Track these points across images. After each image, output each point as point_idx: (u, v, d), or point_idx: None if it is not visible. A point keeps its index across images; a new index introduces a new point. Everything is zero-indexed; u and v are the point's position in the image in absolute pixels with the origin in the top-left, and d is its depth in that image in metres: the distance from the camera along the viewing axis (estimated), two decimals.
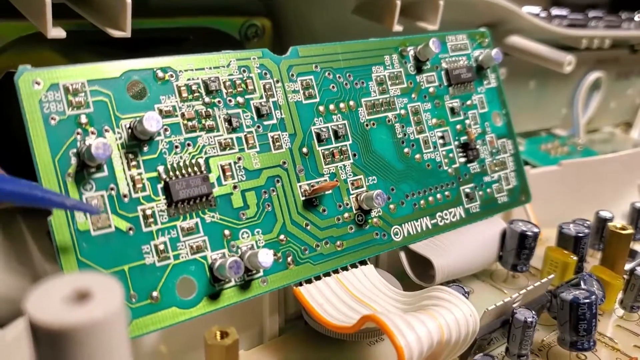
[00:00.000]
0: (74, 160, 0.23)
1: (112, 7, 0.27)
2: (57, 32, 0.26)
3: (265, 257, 0.25)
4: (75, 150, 0.23)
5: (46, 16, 0.25)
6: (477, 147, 0.34)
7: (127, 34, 0.27)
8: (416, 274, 0.31)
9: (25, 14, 0.27)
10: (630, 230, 0.33)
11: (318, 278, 0.28)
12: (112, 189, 0.24)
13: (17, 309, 0.31)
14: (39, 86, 0.23)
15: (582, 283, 0.30)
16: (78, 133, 0.23)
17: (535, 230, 0.33)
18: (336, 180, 0.29)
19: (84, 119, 0.24)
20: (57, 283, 0.16)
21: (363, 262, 0.30)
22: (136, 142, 0.24)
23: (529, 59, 0.40)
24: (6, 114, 0.31)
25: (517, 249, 0.33)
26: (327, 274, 0.28)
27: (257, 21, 0.37)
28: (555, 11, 0.45)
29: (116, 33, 0.27)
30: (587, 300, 0.27)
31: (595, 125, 0.53)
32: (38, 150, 0.23)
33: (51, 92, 0.23)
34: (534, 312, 0.27)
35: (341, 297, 0.28)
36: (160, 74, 0.25)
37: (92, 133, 0.24)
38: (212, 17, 0.36)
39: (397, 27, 0.34)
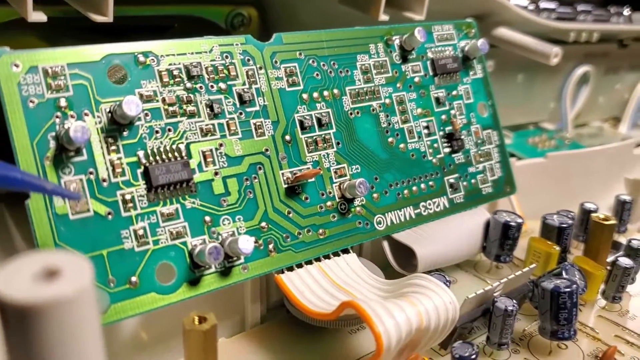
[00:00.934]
0: (52, 144, 0.23)
1: None
2: (37, 16, 0.26)
3: (246, 244, 0.25)
4: (54, 133, 0.23)
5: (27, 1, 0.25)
6: (462, 137, 0.34)
7: (109, 18, 0.27)
8: (399, 263, 0.31)
9: None
10: (613, 221, 0.33)
11: (300, 266, 0.28)
12: (91, 173, 0.24)
13: None
14: (18, 69, 0.23)
15: (563, 273, 0.30)
16: (57, 116, 0.23)
17: (519, 220, 0.33)
18: (319, 168, 0.29)
19: (63, 103, 0.23)
20: (26, 261, 0.15)
21: (346, 251, 0.30)
22: (116, 127, 0.24)
23: (516, 51, 0.40)
24: None
25: (501, 239, 0.33)
26: (309, 262, 0.28)
27: (243, 10, 0.37)
28: (543, 4, 0.45)
29: (98, 18, 0.27)
30: (568, 289, 0.27)
31: (584, 119, 0.53)
32: (16, 133, 0.22)
33: (30, 74, 0.23)
34: (514, 301, 0.27)
35: (322, 285, 0.28)
36: (141, 58, 0.25)
37: (72, 117, 0.23)
38: (198, 6, 0.35)
39: (383, 17, 0.34)
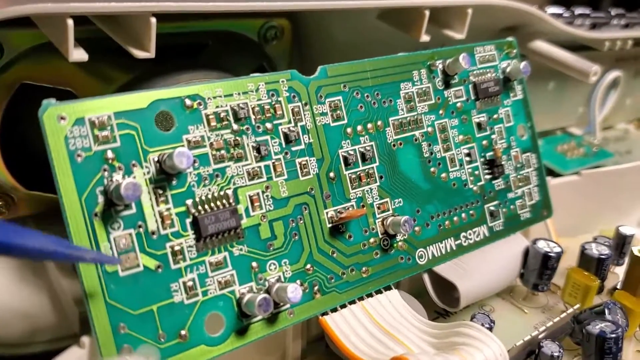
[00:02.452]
0: (100, 199, 0.22)
1: (136, 26, 0.26)
2: (79, 55, 0.25)
3: (295, 293, 0.25)
4: (102, 188, 0.22)
5: (68, 40, 0.24)
6: (503, 163, 0.33)
7: (151, 54, 0.26)
8: (439, 295, 0.31)
9: (45, 32, 0.26)
10: None
11: (343, 306, 0.28)
12: (140, 226, 0.23)
13: (33, 326, 0.31)
14: (65, 121, 0.22)
15: (606, 312, 0.29)
16: (105, 169, 0.22)
17: (558, 250, 0.32)
18: (363, 206, 0.28)
19: (110, 154, 0.23)
20: None
21: (387, 287, 0.29)
22: (164, 177, 0.24)
23: (552, 65, 0.39)
24: (21, 126, 0.30)
25: (540, 269, 0.32)
26: (352, 301, 0.28)
27: (275, 22, 0.36)
28: (578, 10, 0.44)
29: (140, 54, 0.26)
30: (614, 335, 0.27)
31: (610, 122, 0.52)
32: (64, 189, 0.22)
33: (77, 127, 0.22)
34: (560, 346, 0.27)
35: (367, 327, 0.27)
36: (188, 102, 0.24)
37: (119, 169, 0.23)
38: (230, 20, 0.34)
39: (425, 37, 0.33)
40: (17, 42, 0.29)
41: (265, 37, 0.36)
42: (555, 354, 0.27)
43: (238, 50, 0.35)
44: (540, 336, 0.28)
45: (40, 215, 0.33)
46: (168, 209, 0.24)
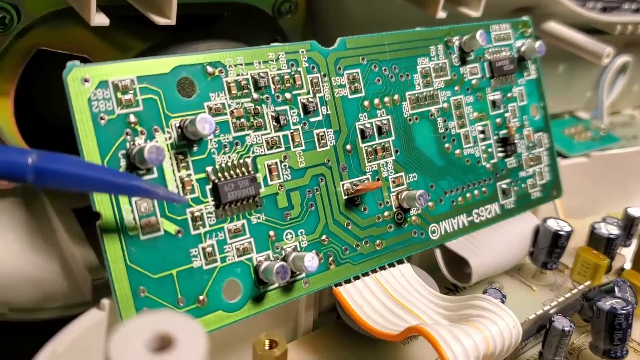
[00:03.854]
0: (123, 162, 0.22)
1: None
2: (100, 19, 0.25)
3: (311, 261, 0.25)
4: (124, 151, 0.22)
5: (90, 3, 0.24)
6: (516, 141, 0.34)
7: (171, 21, 0.26)
8: (450, 270, 0.31)
9: None
10: None
11: (357, 277, 0.28)
12: None
13: (45, 292, 0.31)
14: (88, 84, 0.22)
15: (616, 289, 0.30)
16: (127, 133, 0.22)
17: (568, 229, 0.32)
18: (378, 179, 0.29)
19: (133, 118, 0.23)
20: (138, 325, 0.15)
21: (400, 261, 0.29)
22: (186, 142, 0.24)
23: (565, 47, 0.39)
24: (37, 93, 0.30)
25: (550, 247, 0.32)
26: (366, 274, 0.28)
27: None
28: None
29: (161, 20, 0.26)
30: (624, 311, 0.28)
31: (616, 107, 0.52)
32: (87, 151, 0.22)
33: (100, 89, 0.22)
34: (571, 321, 0.27)
35: (380, 299, 0.28)
36: (209, 69, 0.24)
37: (142, 133, 0.23)
38: None
39: (441, 14, 0.33)
40: (34, 8, 0.28)
41: (280, 11, 0.36)
42: (567, 328, 0.27)
43: (253, 23, 0.35)
44: (551, 311, 0.28)
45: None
46: (189, 175, 0.24)
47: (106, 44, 0.30)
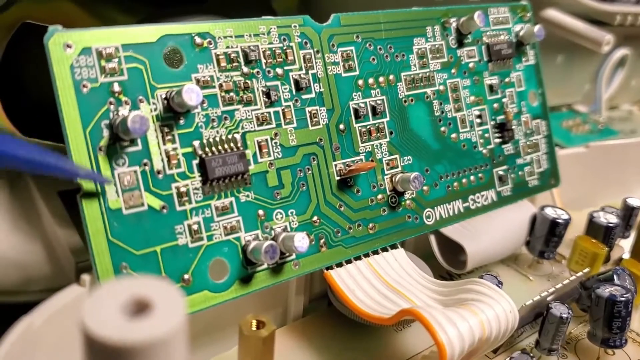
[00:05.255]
0: (106, 133, 0.21)
1: None
2: None
3: (302, 242, 0.24)
4: (107, 121, 0.21)
5: None
6: (513, 127, 0.33)
7: None
8: (445, 257, 0.30)
9: None
10: None
11: (348, 261, 0.27)
12: (145, 164, 0.22)
13: (28, 275, 0.30)
14: (71, 50, 0.21)
15: (615, 278, 0.29)
16: (111, 103, 0.22)
17: (566, 217, 0.32)
18: (372, 160, 0.28)
19: (117, 88, 0.22)
20: (114, 289, 0.14)
21: (393, 246, 0.28)
22: (172, 115, 0.23)
23: (564, 35, 0.39)
24: (21, 68, 0.29)
25: (547, 236, 0.32)
26: (358, 258, 0.27)
27: None
28: None
29: None
30: (624, 299, 0.27)
31: (614, 102, 0.52)
32: (68, 120, 0.21)
33: (83, 56, 0.21)
34: (569, 308, 0.27)
35: (372, 283, 0.27)
36: (198, 40, 0.23)
37: (126, 103, 0.22)
38: None
39: None
40: None
41: None
42: (565, 315, 0.26)
43: (245, 3, 0.34)
44: (548, 298, 0.27)
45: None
46: (175, 149, 0.23)
47: (92, 18, 0.29)
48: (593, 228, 0.33)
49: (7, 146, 0.18)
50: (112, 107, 0.22)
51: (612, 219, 0.33)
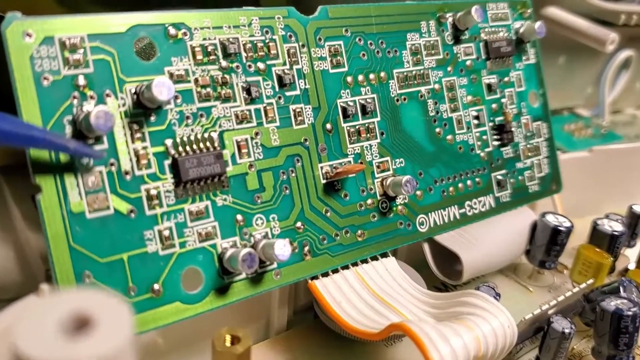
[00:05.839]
0: (68, 129, 0.20)
1: None
2: None
3: (283, 250, 0.22)
4: (70, 117, 0.20)
5: None
6: (512, 129, 0.31)
7: None
8: (439, 267, 0.28)
9: None
10: None
11: (335, 271, 0.25)
12: (112, 164, 0.20)
13: None
14: (31, 39, 0.19)
15: (621, 290, 0.27)
16: (74, 97, 0.20)
17: (568, 225, 0.30)
18: (361, 162, 0.26)
19: (82, 81, 0.20)
20: (51, 305, 0.12)
21: (384, 254, 0.27)
22: (142, 111, 0.21)
23: (567, 34, 0.37)
24: None
25: (548, 244, 0.30)
26: (345, 267, 0.25)
27: None
28: None
29: None
30: (631, 313, 0.25)
31: (618, 106, 0.50)
32: (27, 114, 0.19)
33: (44, 46, 0.19)
34: (572, 322, 0.25)
35: (360, 295, 0.25)
36: (172, 30, 0.22)
37: (91, 98, 0.20)
38: None
39: None
40: None
41: None
42: (567, 330, 0.24)
43: None
44: (549, 312, 0.26)
45: (6, 168, 0.31)
46: (145, 148, 0.21)
47: (64, 9, 0.27)
48: (597, 236, 0.31)
49: None
50: (75, 101, 0.20)
51: (617, 227, 0.31)
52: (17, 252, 0.28)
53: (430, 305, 0.25)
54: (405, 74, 0.28)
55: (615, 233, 0.31)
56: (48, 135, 0.18)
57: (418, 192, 0.28)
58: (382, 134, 0.27)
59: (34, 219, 0.28)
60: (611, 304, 0.25)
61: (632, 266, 0.32)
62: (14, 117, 0.18)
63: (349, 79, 0.26)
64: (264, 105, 0.24)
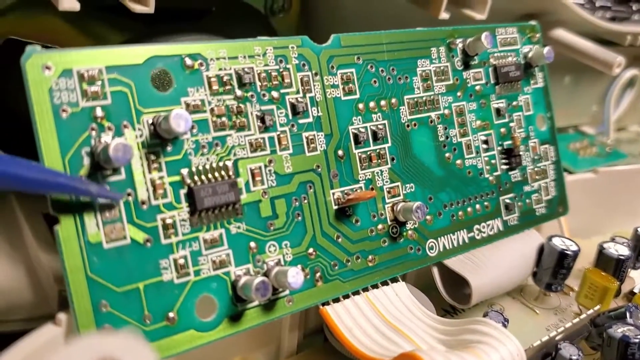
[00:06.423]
0: (86, 161, 0.20)
1: None
2: (70, 4, 0.22)
3: (296, 277, 0.22)
4: (88, 148, 0.20)
5: None
6: (521, 153, 0.31)
7: (150, 9, 0.24)
8: (448, 291, 0.29)
9: None
10: None
11: (346, 296, 0.25)
12: (129, 194, 0.21)
13: (7, 302, 0.28)
14: (50, 72, 0.19)
15: (627, 315, 0.27)
16: (93, 129, 0.20)
17: (575, 249, 0.30)
18: (372, 188, 0.26)
19: (99, 112, 0.20)
20: (81, 348, 0.13)
21: (394, 279, 0.27)
22: (159, 141, 0.21)
23: (573, 55, 0.37)
24: (5, 85, 0.28)
25: (555, 268, 0.30)
26: (356, 292, 0.26)
27: None
28: (599, 2, 0.42)
29: (138, 8, 0.24)
30: (637, 340, 0.25)
31: (622, 123, 0.50)
32: (46, 146, 0.19)
33: (63, 79, 0.20)
34: (579, 349, 0.25)
35: (371, 321, 0.25)
36: (188, 61, 0.22)
37: (109, 129, 0.20)
38: None
39: (444, 15, 0.31)
40: None
41: (272, 9, 0.33)
42: (574, 357, 0.25)
43: (242, 19, 0.33)
44: (557, 337, 0.26)
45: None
46: (161, 178, 0.21)
47: (80, 35, 0.28)
48: (603, 260, 0.31)
49: (15, 167, 0.17)
50: (93, 133, 0.20)
51: (624, 251, 0.31)
52: (28, 271, 0.29)
53: (439, 332, 0.25)
54: (415, 99, 0.28)
55: (622, 257, 0.31)
56: (73, 182, 0.19)
57: (428, 217, 0.28)
58: (392, 159, 0.27)
59: (46, 237, 0.29)
60: (618, 330, 0.26)
61: (637, 289, 0.32)
62: (39, 164, 0.19)
63: (361, 105, 0.26)
64: (278, 133, 0.24)
